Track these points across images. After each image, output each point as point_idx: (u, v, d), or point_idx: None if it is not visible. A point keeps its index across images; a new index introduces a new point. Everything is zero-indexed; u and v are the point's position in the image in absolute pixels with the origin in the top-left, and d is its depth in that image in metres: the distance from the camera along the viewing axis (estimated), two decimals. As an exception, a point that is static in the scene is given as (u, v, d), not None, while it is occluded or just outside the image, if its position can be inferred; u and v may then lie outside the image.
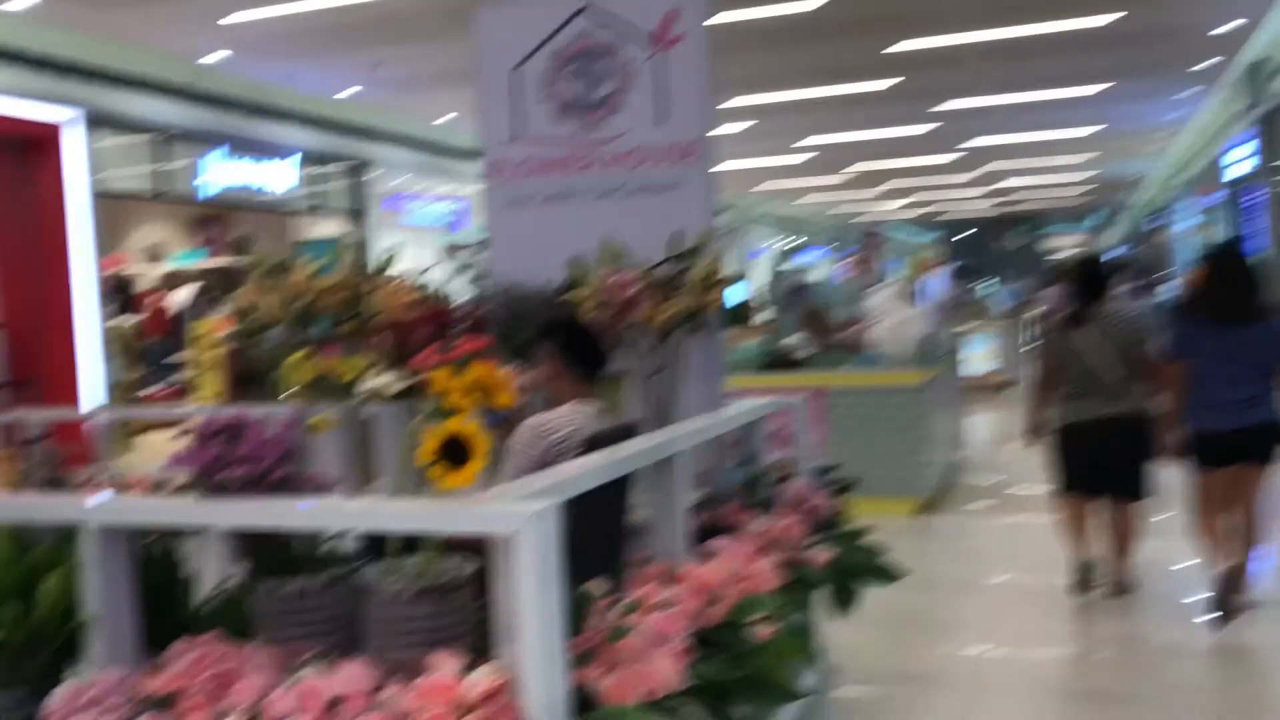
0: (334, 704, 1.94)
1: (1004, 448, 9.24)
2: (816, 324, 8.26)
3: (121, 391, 10.67)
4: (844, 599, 3.38)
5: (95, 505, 2.17)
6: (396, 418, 3.48)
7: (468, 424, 1.98)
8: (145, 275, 13.20)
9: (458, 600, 2.15)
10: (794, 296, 11.74)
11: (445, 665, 1.98)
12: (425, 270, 4.09)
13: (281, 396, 3.78)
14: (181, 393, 11.39)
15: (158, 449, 6.86)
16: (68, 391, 9.32)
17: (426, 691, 1.89)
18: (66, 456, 5.11)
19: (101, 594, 2.16)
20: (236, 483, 2.16)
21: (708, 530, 3.25)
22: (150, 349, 12.29)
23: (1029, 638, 4.41)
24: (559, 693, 1.89)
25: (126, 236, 13.29)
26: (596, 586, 2.57)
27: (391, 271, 3.89)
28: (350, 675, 2.01)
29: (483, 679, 1.88)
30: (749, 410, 3.56)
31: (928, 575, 5.19)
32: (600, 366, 3.07)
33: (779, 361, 7.63)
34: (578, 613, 2.31)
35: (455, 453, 1.97)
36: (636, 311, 3.15)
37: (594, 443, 2.73)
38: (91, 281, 9.60)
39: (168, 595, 2.40)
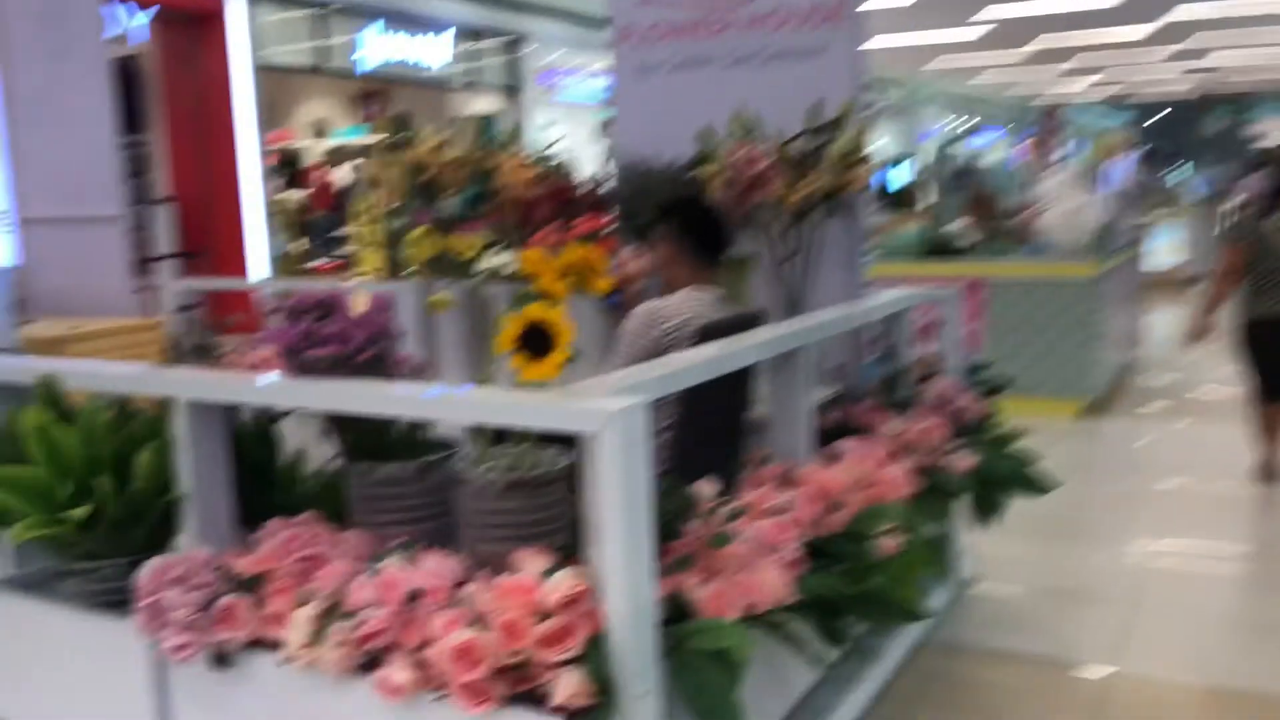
0: (413, 597, 1.84)
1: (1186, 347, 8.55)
2: (982, 209, 7.72)
3: (287, 264, 11.01)
4: (986, 509, 3.11)
5: (184, 380, 2.11)
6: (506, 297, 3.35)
7: (550, 311, 1.80)
8: (311, 150, 13.49)
9: (551, 495, 2.01)
10: (960, 180, 11.06)
11: (531, 564, 1.85)
12: (552, 144, 3.90)
13: (405, 273, 3.72)
14: (345, 266, 11.69)
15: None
16: (235, 263, 9.65)
17: (505, 592, 1.77)
18: (230, 326, 5.22)
19: (194, 470, 2.12)
20: (323, 363, 2.06)
21: (837, 431, 3.02)
22: (316, 223, 12.61)
23: (1197, 550, 4.03)
24: (645, 602, 1.74)
25: (292, 111, 13.56)
26: (704, 487, 2.39)
27: (532, 148, 3.74)
28: (434, 568, 1.90)
29: (563, 583, 1.74)
30: (892, 301, 3.26)
31: (1088, 481, 4.83)
32: (722, 250, 2.83)
33: (938, 249, 7.17)
34: (679, 515, 2.15)
35: (537, 342, 1.80)
36: (768, 189, 2.88)
37: (710, 332, 2.52)
38: (256, 156, 9.82)
39: (266, 474, 2.36)
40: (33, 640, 2.28)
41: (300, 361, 2.07)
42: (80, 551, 2.15)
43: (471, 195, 3.54)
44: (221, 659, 1.97)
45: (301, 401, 2.06)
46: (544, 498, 2.01)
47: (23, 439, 2.06)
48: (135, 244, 9.69)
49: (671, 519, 2.11)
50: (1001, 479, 3.09)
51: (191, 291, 5.54)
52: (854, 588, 2.19)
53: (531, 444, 2.07)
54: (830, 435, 2.92)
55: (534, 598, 1.74)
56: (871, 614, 2.23)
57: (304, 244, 11.76)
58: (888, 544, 2.39)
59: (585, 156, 3.82)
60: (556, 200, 3.53)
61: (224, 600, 1.96)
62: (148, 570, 1.99)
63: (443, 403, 1.89)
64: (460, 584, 1.90)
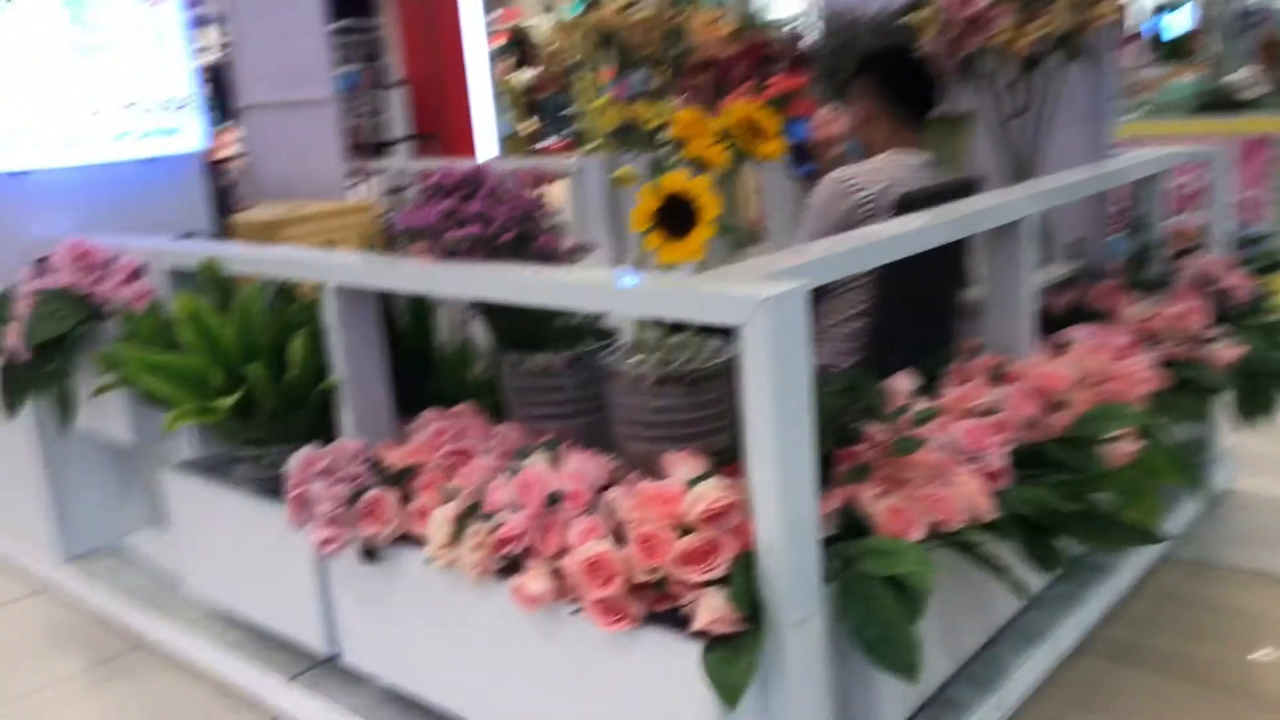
0: (553, 500, 1.68)
1: None
2: (1273, 55, 6.65)
3: (517, 144, 11.09)
4: (1253, 408, 2.63)
5: (332, 264, 2.01)
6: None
7: (692, 183, 1.54)
8: (540, 28, 13.44)
9: (710, 392, 1.78)
10: (1247, 21, 9.63)
11: (682, 469, 1.65)
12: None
13: (587, 147, 3.51)
14: (574, 144, 11.67)
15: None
16: (466, 145, 9.78)
17: (645, 501, 1.57)
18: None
19: (345, 357, 2.03)
20: (463, 244, 1.90)
21: (1070, 316, 2.62)
22: (546, 102, 12.64)
23: None
24: (804, 517, 1.50)
25: (521, -10, 13.50)
26: (900, 382, 2.10)
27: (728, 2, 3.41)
28: (579, 468, 1.74)
29: (708, 493, 1.53)
30: (1146, 162, 2.77)
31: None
32: (930, 107, 2.44)
33: (1217, 103, 6.25)
34: (862, 415, 1.87)
35: (678, 219, 1.54)
36: (989, 33, 2.45)
37: (910, 202, 2.18)
38: (483, 36, 9.83)
39: (425, 362, 2.26)
40: (211, 522, 2.32)
41: (441, 244, 1.92)
42: (245, 438, 2.13)
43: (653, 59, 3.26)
44: (370, 553, 1.90)
45: (432, 287, 1.92)
46: (701, 395, 1.78)
47: (178, 325, 2.03)
48: (370, 128, 9.99)
49: (851, 419, 1.85)
50: (1274, 372, 2.59)
51: (406, 173, 5.58)
52: (1072, 504, 1.86)
53: (692, 334, 1.85)
54: (1062, 322, 2.52)
55: (676, 509, 1.54)
56: (1093, 535, 1.89)
57: (533, 123, 11.82)
58: (1122, 450, 2.03)
59: (786, 10, 3.44)
60: (752, 59, 3.20)
61: (370, 494, 1.88)
62: (295, 461, 1.93)
63: (568, 288, 1.68)
64: (606, 487, 1.73)
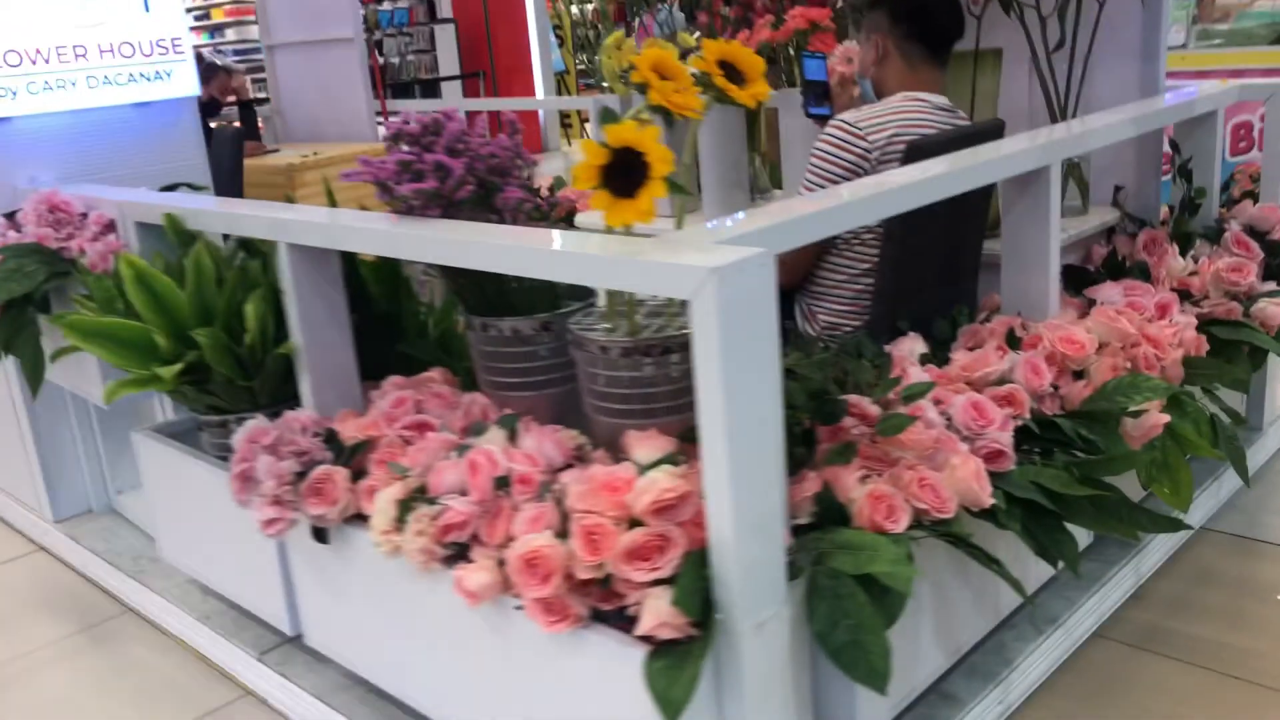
0: (502, 484, 1.55)
1: None
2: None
3: (570, 82, 10.86)
4: (1308, 371, 2.41)
5: (282, 220, 1.87)
6: (721, 122, 2.88)
7: (641, 134, 1.36)
8: (590, -39, 13.10)
9: (684, 363, 1.63)
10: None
11: (643, 449, 1.50)
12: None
13: (603, 87, 3.30)
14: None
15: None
16: (520, 83, 9.53)
17: (593, 489, 1.43)
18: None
19: (301, 320, 1.90)
20: (417, 200, 1.74)
21: (1108, 270, 2.40)
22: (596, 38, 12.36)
23: None
24: (766, 510, 1.34)
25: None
26: (906, 346, 1.92)
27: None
28: (536, 448, 1.60)
29: (659, 483, 1.38)
30: (1196, 100, 2.51)
31: None
32: (948, 44, 2.21)
33: (1296, 31, 5.82)
34: (851, 389, 1.70)
35: (628, 175, 1.37)
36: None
37: (919, 150, 1.98)
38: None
39: (395, 325, 2.13)
40: (180, 490, 2.22)
41: (396, 198, 1.77)
42: (206, 405, 2.02)
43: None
44: (319, 534, 1.79)
45: (375, 247, 1.77)
46: (674, 366, 1.63)
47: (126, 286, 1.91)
48: (416, 65, 9.79)
49: (839, 392, 1.68)
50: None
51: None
52: (1085, 487, 1.68)
53: (669, 300, 1.69)
54: (1099, 278, 2.31)
55: (624, 498, 1.39)
56: (1109, 522, 1.71)
57: (583, 61, 11.56)
58: (1146, 425, 1.84)
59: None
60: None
61: (318, 471, 1.76)
62: (241, 435, 1.82)
63: (505, 251, 1.52)
64: (567, 467, 1.59)
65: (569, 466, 1.59)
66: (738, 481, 1.30)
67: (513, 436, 1.65)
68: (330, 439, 1.84)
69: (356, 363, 1.99)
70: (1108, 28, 2.47)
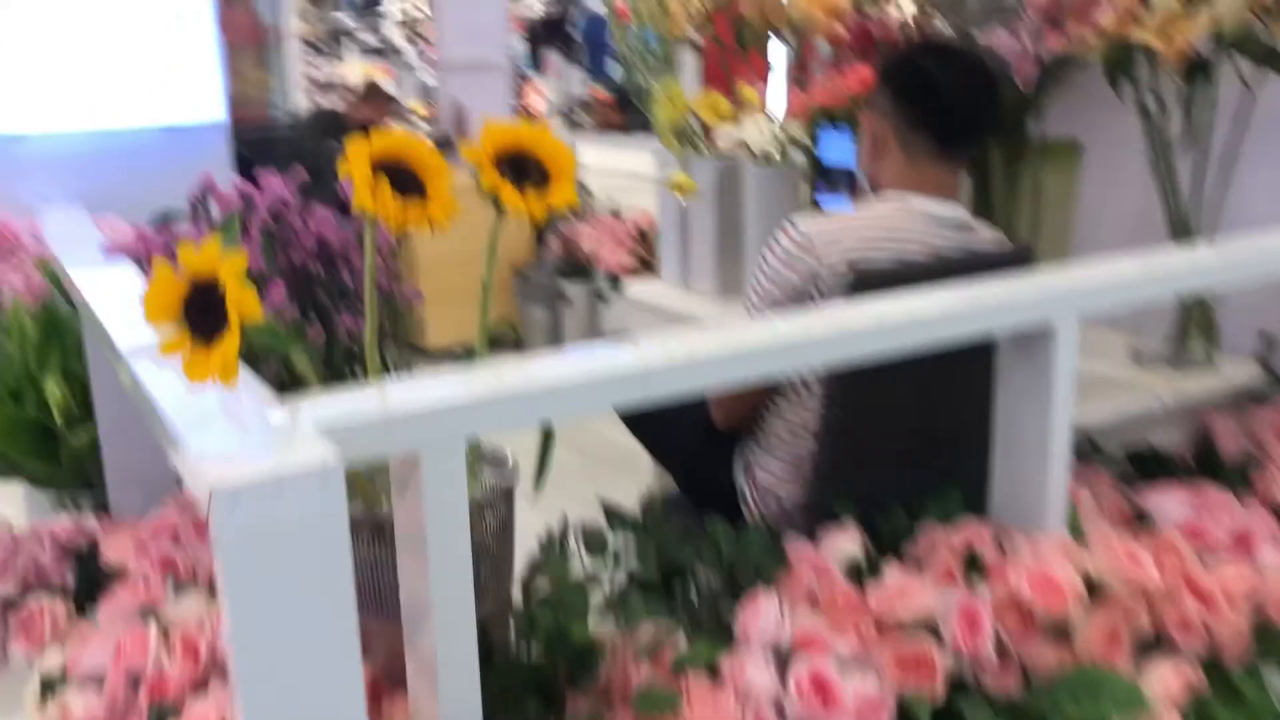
0: (135, 683, 1.18)
1: None
2: None
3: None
4: None
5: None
6: (773, 187, 2.39)
7: (219, 259, 0.94)
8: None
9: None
10: None
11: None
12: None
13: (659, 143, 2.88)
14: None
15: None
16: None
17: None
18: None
19: (102, 393, 1.62)
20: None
21: (1196, 462, 1.73)
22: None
23: None
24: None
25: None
26: (836, 543, 1.41)
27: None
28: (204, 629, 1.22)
29: None
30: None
31: None
32: (966, 134, 1.60)
33: None
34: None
35: (208, 313, 0.96)
36: (1089, 26, 1.59)
37: (873, 281, 1.43)
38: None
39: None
40: None
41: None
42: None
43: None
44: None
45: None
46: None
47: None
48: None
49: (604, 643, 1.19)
50: None
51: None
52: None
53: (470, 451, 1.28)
54: (1177, 469, 1.66)
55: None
56: None
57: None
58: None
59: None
60: (862, 44, 2.44)
61: (32, 602, 1.46)
62: (-24, 540, 1.55)
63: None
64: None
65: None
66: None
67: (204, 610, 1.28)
68: (86, 559, 1.54)
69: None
70: (1250, 121, 1.78)
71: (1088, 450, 1.83)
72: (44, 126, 2.48)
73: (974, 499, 1.53)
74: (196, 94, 2.67)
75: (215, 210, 1.50)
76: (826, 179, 2.03)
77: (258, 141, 4.50)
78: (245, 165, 2.86)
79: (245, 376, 1.03)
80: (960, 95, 1.57)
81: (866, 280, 1.44)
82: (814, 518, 1.57)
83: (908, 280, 1.43)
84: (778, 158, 2.29)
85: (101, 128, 2.54)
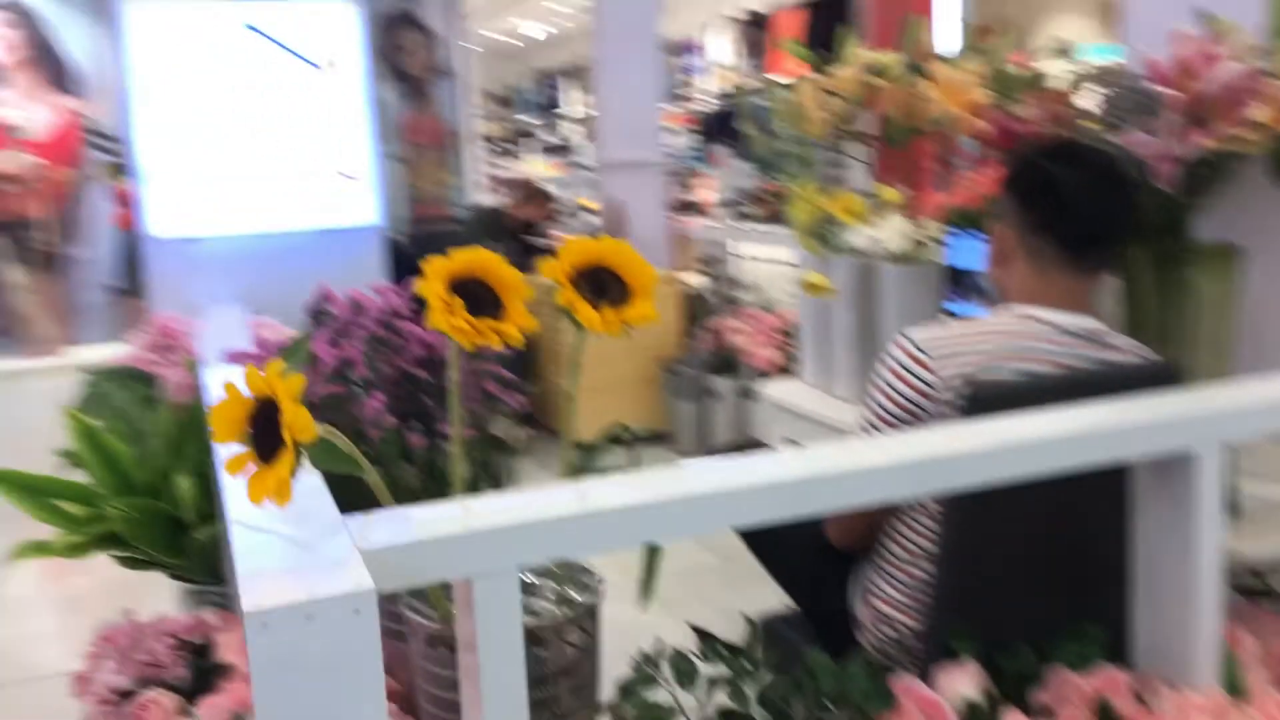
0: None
1: None
2: None
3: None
4: None
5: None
6: (911, 288, 2.31)
7: (280, 380, 0.94)
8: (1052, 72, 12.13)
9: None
10: None
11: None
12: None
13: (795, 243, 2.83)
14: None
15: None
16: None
17: None
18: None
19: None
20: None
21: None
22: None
23: None
24: None
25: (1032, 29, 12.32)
26: (949, 682, 1.30)
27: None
28: None
29: None
30: None
31: None
32: (1097, 241, 1.47)
33: None
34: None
35: (271, 433, 0.96)
36: (1238, 121, 1.46)
37: (990, 399, 1.33)
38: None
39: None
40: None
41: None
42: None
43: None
44: (134, 766, 1.52)
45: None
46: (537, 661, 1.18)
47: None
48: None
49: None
50: None
51: (723, 243, 5.13)
52: None
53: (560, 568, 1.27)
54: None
55: None
56: None
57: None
58: None
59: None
60: (1006, 142, 2.34)
61: (146, 695, 1.49)
62: (100, 630, 1.61)
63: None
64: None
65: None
66: None
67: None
68: (200, 653, 1.57)
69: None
70: None
71: (1258, 589, 1.64)
72: (214, 229, 2.66)
73: (1113, 641, 1.38)
74: (354, 200, 2.80)
75: (333, 315, 1.53)
76: (958, 284, 1.93)
77: (424, 237, 4.70)
78: (409, 262, 2.98)
79: (314, 495, 1.04)
80: (1086, 198, 1.46)
81: (985, 397, 1.34)
82: (932, 650, 1.46)
83: (1032, 397, 1.33)
84: (915, 258, 2.21)
85: (265, 230, 2.70)
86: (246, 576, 0.89)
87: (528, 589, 1.32)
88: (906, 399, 1.46)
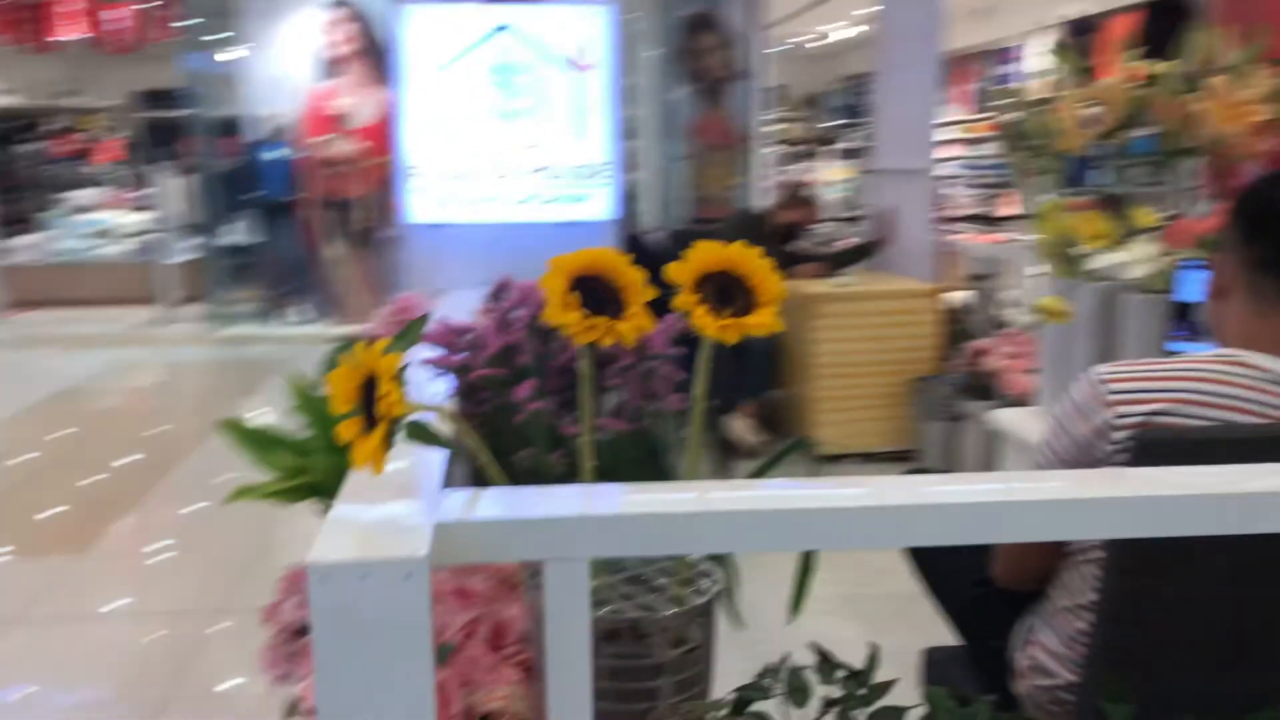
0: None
1: None
2: None
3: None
4: None
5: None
6: (1152, 318, 2.10)
7: (382, 360, 0.98)
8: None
9: (656, 649, 1.23)
10: None
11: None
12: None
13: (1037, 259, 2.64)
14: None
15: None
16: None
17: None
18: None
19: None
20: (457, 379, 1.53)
21: None
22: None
23: None
24: None
25: None
26: None
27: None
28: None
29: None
30: None
31: None
32: None
33: None
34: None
35: (373, 404, 1.01)
36: None
37: (1160, 447, 1.18)
38: None
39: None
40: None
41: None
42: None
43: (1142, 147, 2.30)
44: (292, 710, 1.65)
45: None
46: (649, 653, 1.23)
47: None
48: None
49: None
50: None
51: (994, 260, 4.84)
52: None
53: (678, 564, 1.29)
54: None
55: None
56: None
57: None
58: None
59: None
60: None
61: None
62: (288, 571, 1.76)
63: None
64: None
65: None
66: None
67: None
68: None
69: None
70: None
71: None
72: (463, 218, 2.84)
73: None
74: (594, 196, 2.91)
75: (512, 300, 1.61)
76: (1184, 318, 1.73)
77: (685, 235, 4.78)
78: (650, 259, 3.06)
79: (426, 466, 1.10)
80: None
81: (1157, 442, 1.20)
82: (1084, 708, 1.34)
83: (1222, 447, 1.18)
84: (1158, 287, 2.00)
85: (508, 220, 2.85)
86: (327, 532, 0.96)
87: (637, 580, 1.32)
88: (1081, 440, 1.34)
